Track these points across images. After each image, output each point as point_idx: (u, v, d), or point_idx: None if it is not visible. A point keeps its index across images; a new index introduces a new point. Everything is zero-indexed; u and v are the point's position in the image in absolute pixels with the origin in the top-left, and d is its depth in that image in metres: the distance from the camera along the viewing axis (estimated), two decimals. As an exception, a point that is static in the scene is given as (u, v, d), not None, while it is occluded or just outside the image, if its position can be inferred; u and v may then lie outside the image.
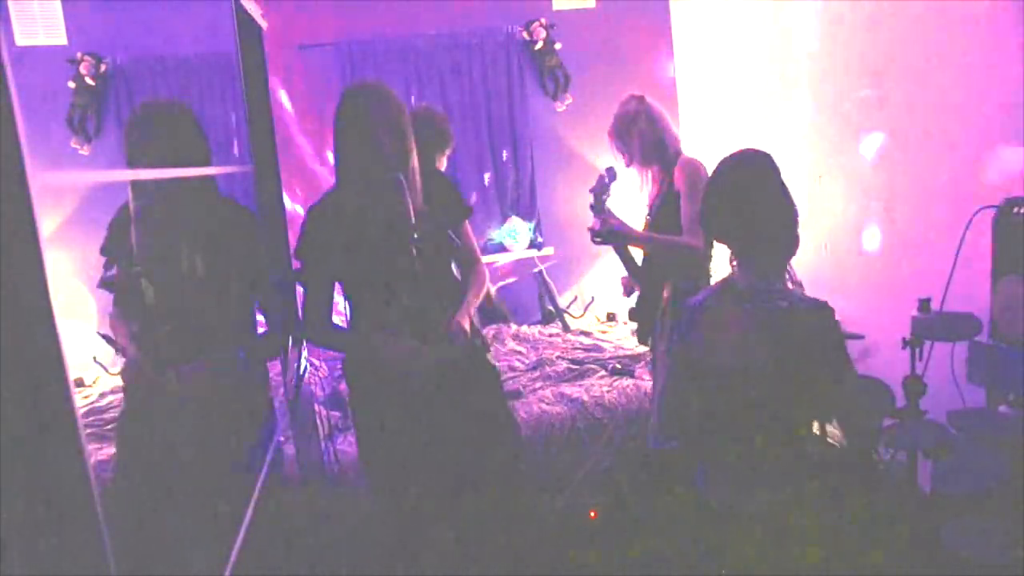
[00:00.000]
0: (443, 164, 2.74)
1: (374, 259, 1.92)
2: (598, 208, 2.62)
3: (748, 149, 1.78)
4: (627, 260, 2.77)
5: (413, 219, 1.85)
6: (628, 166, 2.75)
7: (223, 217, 1.90)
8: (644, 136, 2.67)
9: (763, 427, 1.65)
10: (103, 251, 1.89)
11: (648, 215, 2.76)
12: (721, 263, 1.98)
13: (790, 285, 1.86)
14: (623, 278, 2.93)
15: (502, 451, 2.12)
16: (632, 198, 2.90)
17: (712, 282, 2.61)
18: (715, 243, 1.89)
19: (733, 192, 1.73)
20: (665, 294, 2.65)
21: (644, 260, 2.79)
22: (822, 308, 1.61)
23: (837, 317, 1.72)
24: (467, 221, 2.14)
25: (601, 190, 2.63)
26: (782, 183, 1.72)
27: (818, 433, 2.08)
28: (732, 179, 1.75)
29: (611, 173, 2.69)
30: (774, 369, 1.60)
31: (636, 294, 2.86)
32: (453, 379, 1.99)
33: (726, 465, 1.71)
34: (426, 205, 1.97)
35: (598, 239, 2.65)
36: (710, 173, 1.81)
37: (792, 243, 1.74)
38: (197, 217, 1.80)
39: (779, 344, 1.59)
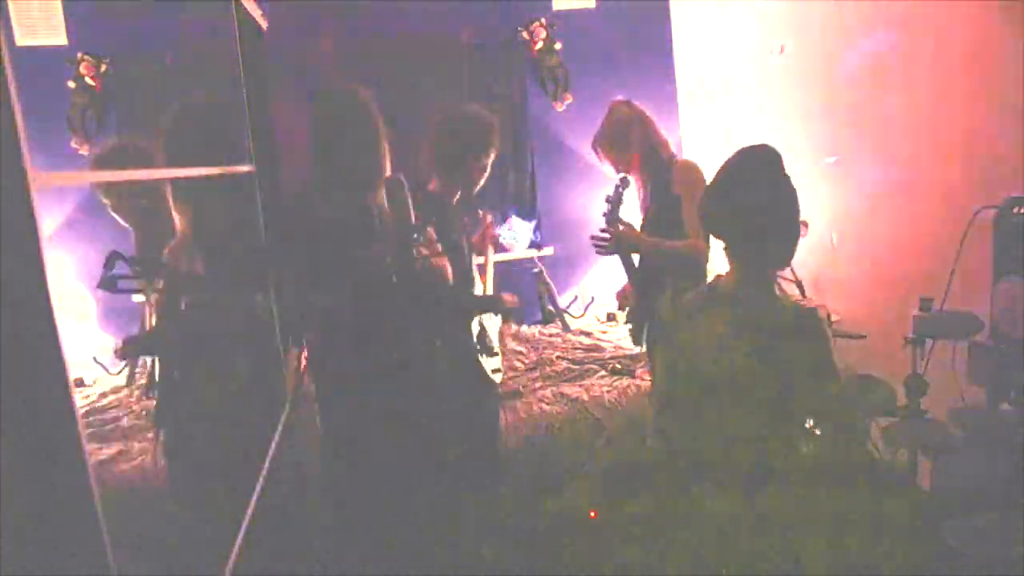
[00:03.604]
0: (487, 166, 2.65)
1: (342, 257, 1.92)
2: (613, 218, 2.60)
3: (756, 145, 1.76)
4: (628, 265, 2.76)
5: (414, 220, 1.86)
6: (618, 173, 2.73)
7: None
8: (640, 142, 2.65)
9: (749, 428, 1.65)
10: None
11: (643, 219, 2.74)
12: (720, 263, 1.98)
13: (784, 286, 1.85)
14: (618, 293, 2.92)
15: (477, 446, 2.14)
16: (628, 203, 2.88)
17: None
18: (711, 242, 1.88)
19: (733, 189, 1.72)
20: (666, 295, 2.64)
21: (639, 263, 2.78)
22: (807, 313, 1.59)
23: (838, 317, 1.72)
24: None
25: (617, 200, 2.60)
26: (786, 180, 1.70)
27: (818, 433, 2.08)
28: (733, 177, 1.73)
29: (625, 182, 2.66)
30: (753, 371, 1.60)
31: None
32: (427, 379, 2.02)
33: (717, 465, 1.70)
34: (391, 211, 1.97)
35: (607, 249, 2.59)
36: (718, 168, 1.78)
37: (793, 240, 1.73)
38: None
39: (758, 346, 1.59)
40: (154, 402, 1.90)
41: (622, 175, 2.69)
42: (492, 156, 2.58)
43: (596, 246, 2.62)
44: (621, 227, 2.59)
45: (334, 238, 1.91)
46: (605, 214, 2.62)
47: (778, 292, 1.75)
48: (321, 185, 1.95)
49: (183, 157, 1.72)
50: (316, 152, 1.94)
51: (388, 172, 1.95)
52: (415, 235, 1.86)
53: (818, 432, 2.10)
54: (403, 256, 1.85)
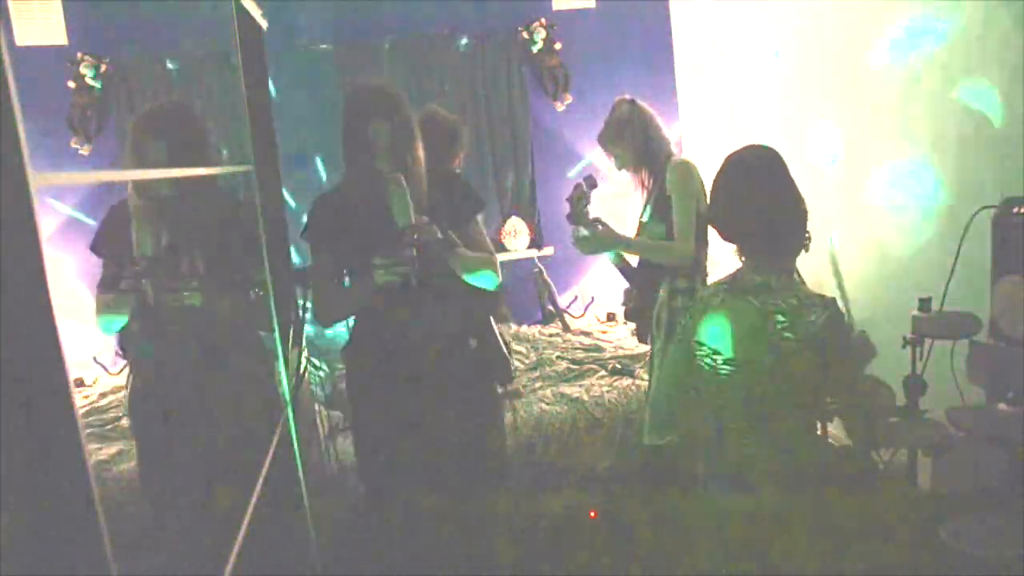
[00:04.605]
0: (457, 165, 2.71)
1: (372, 254, 1.93)
2: (576, 217, 2.59)
3: (754, 144, 1.77)
4: (624, 268, 2.76)
5: (413, 219, 1.86)
6: (619, 170, 2.74)
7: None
8: (635, 140, 2.65)
9: (766, 423, 1.65)
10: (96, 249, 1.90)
11: (640, 218, 2.74)
12: (723, 262, 1.98)
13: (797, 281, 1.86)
14: (626, 290, 2.91)
15: (486, 450, 2.15)
16: (624, 202, 2.89)
17: (709, 280, 2.60)
18: (715, 241, 1.89)
19: (740, 189, 1.72)
20: (662, 293, 2.64)
21: (640, 261, 2.78)
22: (829, 304, 1.62)
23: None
24: (478, 217, 2.20)
25: (578, 198, 2.60)
26: (790, 178, 1.71)
27: (820, 433, 2.08)
28: (738, 175, 1.73)
29: (590, 182, 2.66)
30: (780, 364, 1.61)
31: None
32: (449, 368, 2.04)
33: (726, 461, 1.71)
34: (433, 205, 1.99)
35: (583, 247, 2.63)
36: (717, 169, 1.79)
37: (801, 239, 1.73)
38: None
39: (786, 339, 1.60)
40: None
41: (587, 175, 2.71)
42: (460, 156, 2.67)
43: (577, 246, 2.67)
44: (600, 227, 2.59)
45: (365, 233, 1.93)
46: (567, 215, 2.62)
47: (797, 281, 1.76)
48: (354, 179, 1.98)
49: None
50: (349, 146, 1.97)
51: (423, 166, 1.99)
52: (414, 235, 1.85)
53: (827, 429, 2.10)
54: (404, 256, 1.85)
